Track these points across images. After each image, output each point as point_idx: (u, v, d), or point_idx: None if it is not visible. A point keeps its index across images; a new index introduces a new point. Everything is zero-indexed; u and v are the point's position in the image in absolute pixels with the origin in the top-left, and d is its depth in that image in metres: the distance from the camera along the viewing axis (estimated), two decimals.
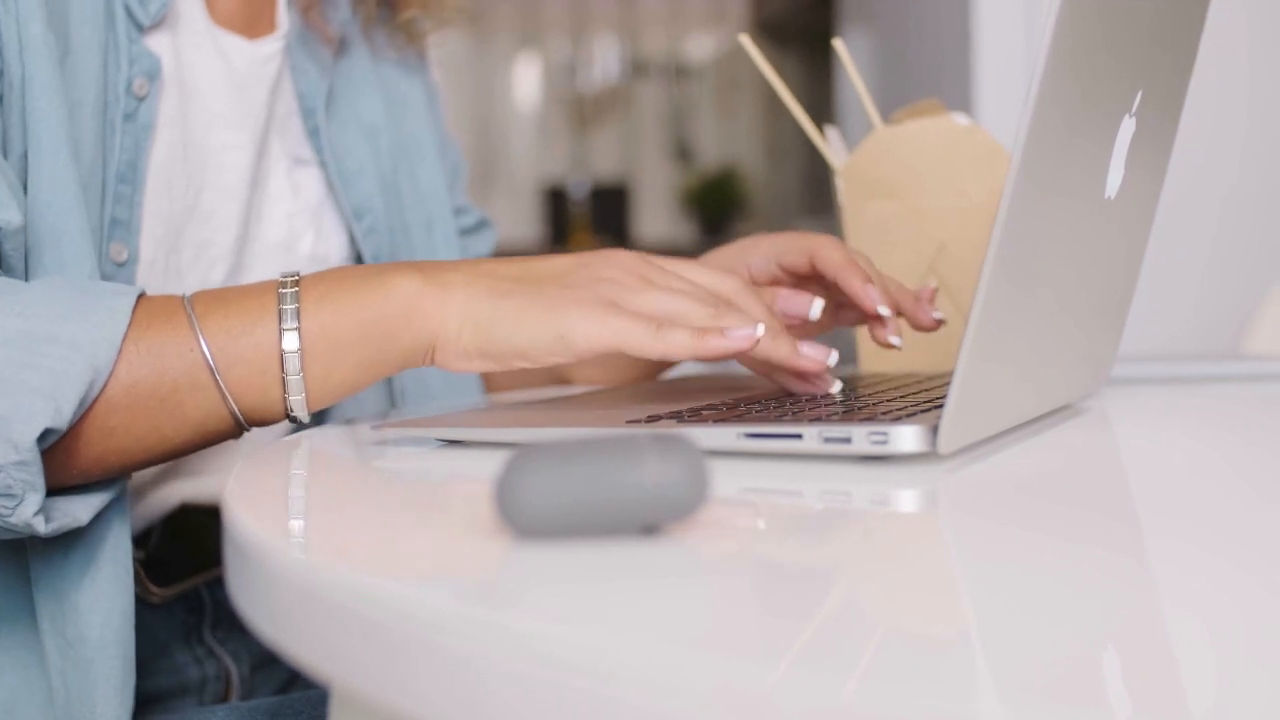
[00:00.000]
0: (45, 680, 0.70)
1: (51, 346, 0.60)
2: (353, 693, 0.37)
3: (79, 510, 0.65)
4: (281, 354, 0.63)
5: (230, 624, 0.90)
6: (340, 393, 0.66)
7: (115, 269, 0.76)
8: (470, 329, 0.64)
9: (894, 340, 0.77)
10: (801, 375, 0.69)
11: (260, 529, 0.45)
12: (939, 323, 0.78)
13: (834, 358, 0.68)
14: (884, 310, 0.76)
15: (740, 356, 0.66)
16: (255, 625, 0.43)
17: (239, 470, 0.59)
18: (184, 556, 0.88)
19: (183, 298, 0.65)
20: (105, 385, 0.61)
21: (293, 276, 0.65)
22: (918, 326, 0.79)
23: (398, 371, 0.66)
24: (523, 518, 0.40)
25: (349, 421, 0.78)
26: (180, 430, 0.64)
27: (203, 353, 0.63)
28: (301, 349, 0.64)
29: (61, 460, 0.62)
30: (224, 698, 0.91)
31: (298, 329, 0.64)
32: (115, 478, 0.67)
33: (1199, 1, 0.70)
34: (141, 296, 0.64)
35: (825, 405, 0.64)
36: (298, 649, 0.40)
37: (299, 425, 0.67)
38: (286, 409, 0.65)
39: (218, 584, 0.90)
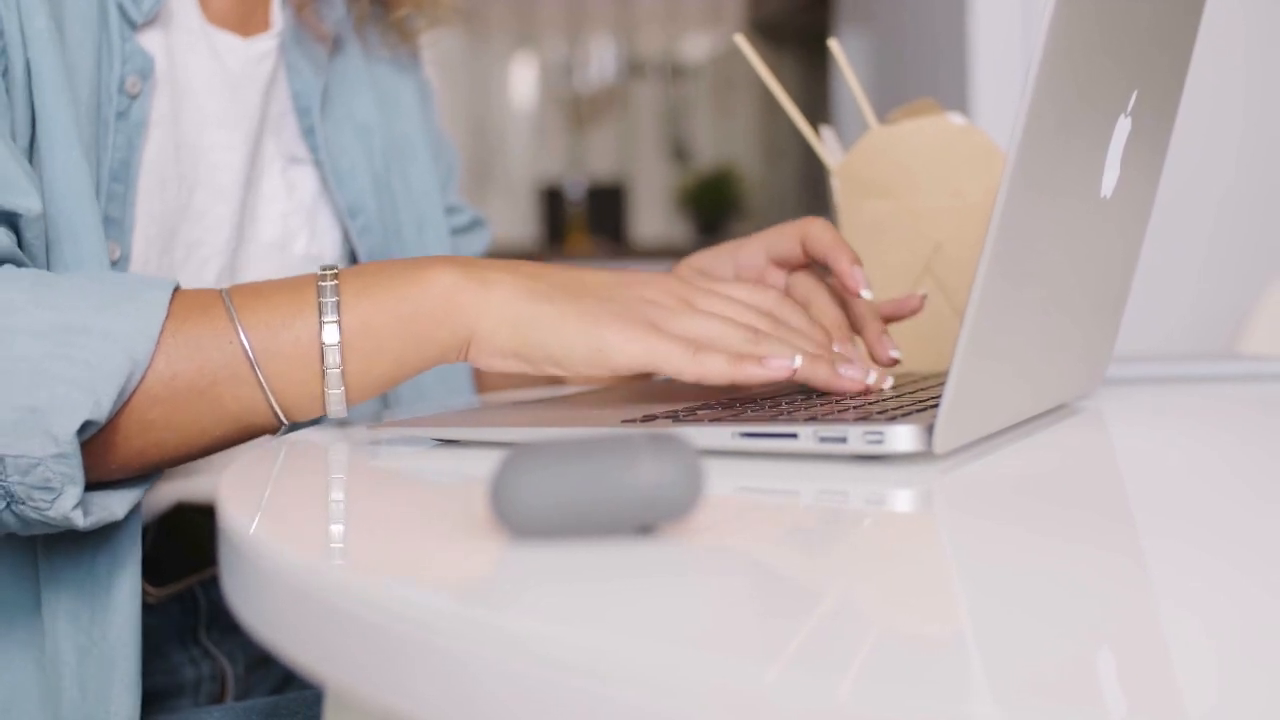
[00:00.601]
0: (42, 679, 0.70)
1: (87, 339, 0.59)
2: (348, 693, 0.37)
3: (115, 504, 0.65)
4: (322, 347, 0.63)
5: (226, 624, 0.90)
6: (378, 387, 0.65)
7: (108, 268, 0.75)
8: (509, 329, 0.64)
9: (853, 375, 0.75)
10: (841, 392, 0.68)
11: (255, 529, 0.45)
12: (894, 361, 0.77)
13: (873, 376, 0.67)
14: (866, 294, 0.76)
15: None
16: (250, 625, 0.43)
17: (233, 470, 0.59)
18: (180, 556, 0.88)
19: (220, 291, 0.65)
20: (144, 378, 0.61)
21: (331, 270, 0.65)
22: (875, 359, 0.78)
23: (435, 365, 0.66)
24: (518, 518, 0.40)
25: (344, 421, 0.78)
26: (220, 424, 0.64)
27: (242, 345, 0.63)
28: (341, 342, 0.63)
29: (101, 454, 0.62)
30: (219, 698, 0.90)
31: (338, 322, 0.63)
32: (152, 472, 0.67)
33: (1195, 1, 0.70)
34: (177, 289, 0.64)
35: (820, 405, 0.64)
36: (292, 649, 0.40)
37: (340, 418, 0.66)
38: (325, 403, 0.65)
39: (213, 584, 0.90)
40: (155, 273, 0.80)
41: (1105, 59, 0.57)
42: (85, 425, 0.59)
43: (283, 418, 0.65)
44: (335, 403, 0.64)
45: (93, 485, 0.63)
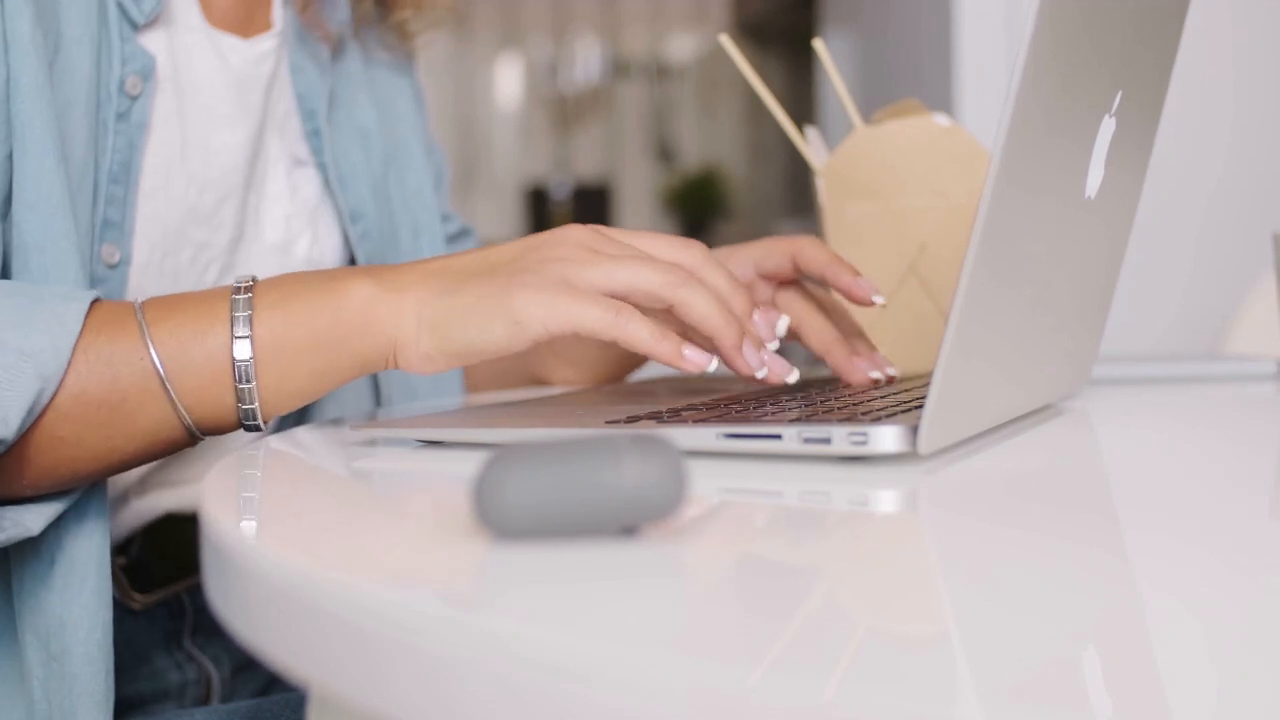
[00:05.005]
0: (26, 692, 0.70)
1: (1, 355, 0.59)
2: (331, 695, 0.36)
3: (30, 520, 0.64)
4: (233, 362, 0.62)
5: (211, 629, 0.90)
6: (295, 401, 0.65)
7: (107, 271, 0.75)
8: (427, 332, 0.63)
9: (874, 374, 0.75)
10: (745, 376, 0.67)
11: (238, 531, 0.45)
12: (890, 378, 0.77)
13: (794, 376, 0.67)
14: (879, 299, 0.76)
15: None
16: (232, 627, 0.43)
17: (217, 472, 0.59)
18: (167, 564, 0.88)
19: (134, 304, 0.64)
20: (54, 395, 0.60)
21: (246, 282, 0.64)
22: (843, 376, 0.77)
23: (356, 378, 0.65)
24: (501, 519, 0.40)
25: (330, 422, 0.77)
26: (131, 440, 0.63)
27: (152, 361, 0.62)
28: (254, 357, 0.63)
29: (11, 471, 0.61)
30: (204, 702, 0.90)
31: (249, 337, 0.62)
32: (68, 489, 0.66)
33: (1179, 1, 0.70)
34: (95, 303, 0.63)
35: (805, 406, 0.64)
36: (275, 651, 0.39)
37: (257, 430, 0.66)
38: (240, 417, 0.64)
39: (199, 590, 0.89)
40: (158, 275, 0.79)
41: (1090, 59, 0.58)
42: None
43: (196, 433, 0.64)
44: (249, 418, 0.64)
45: (8, 501, 0.63)
